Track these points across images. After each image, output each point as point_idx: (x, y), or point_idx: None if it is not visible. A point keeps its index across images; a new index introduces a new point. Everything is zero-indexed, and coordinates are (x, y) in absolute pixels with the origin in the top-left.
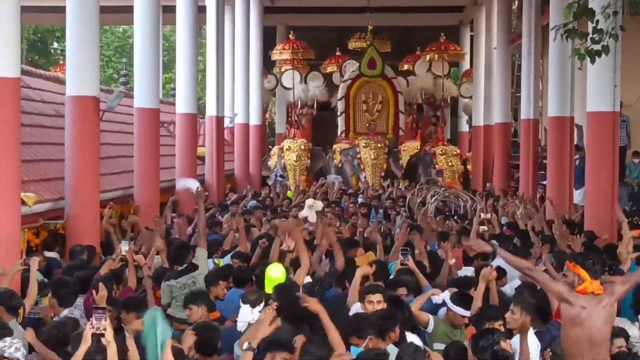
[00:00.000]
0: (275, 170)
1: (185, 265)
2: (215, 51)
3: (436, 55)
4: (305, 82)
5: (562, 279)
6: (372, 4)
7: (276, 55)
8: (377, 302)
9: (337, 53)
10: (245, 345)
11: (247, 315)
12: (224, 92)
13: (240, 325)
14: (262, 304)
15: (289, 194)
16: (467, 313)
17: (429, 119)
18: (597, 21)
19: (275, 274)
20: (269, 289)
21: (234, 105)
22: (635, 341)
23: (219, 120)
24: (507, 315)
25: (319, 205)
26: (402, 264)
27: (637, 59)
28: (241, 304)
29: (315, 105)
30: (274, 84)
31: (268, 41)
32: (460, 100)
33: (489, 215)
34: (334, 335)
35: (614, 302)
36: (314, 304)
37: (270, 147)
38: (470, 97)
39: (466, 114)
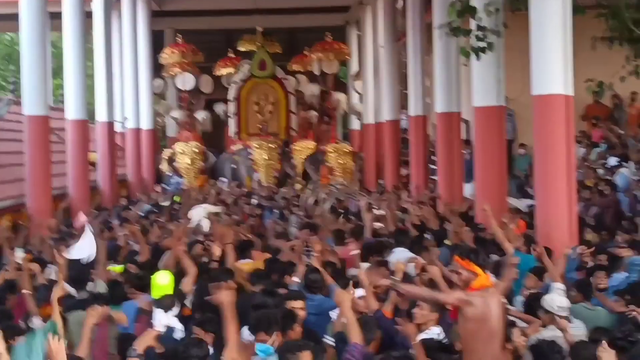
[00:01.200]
0: (169, 175)
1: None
2: (104, 56)
3: (322, 55)
4: (198, 85)
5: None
6: (259, 5)
7: (165, 58)
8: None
9: (231, 55)
10: (132, 353)
11: (162, 319)
12: (113, 97)
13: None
14: (176, 307)
15: (175, 198)
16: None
17: (322, 119)
18: (480, 19)
19: (162, 281)
20: (155, 296)
21: (124, 110)
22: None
23: (110, 125)
24: (415, 310)
25: (213, 209)
26: (307, 265)
27: (519, 54)
28: (154, 309)
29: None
30: (162, 88)
31: (157, 45)
32: (352, 99)
33: (382, 212)
34: (231, 329)
35: (502, 294)
36: (222, 296)
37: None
38: (361, 95)
39: (354, 114)
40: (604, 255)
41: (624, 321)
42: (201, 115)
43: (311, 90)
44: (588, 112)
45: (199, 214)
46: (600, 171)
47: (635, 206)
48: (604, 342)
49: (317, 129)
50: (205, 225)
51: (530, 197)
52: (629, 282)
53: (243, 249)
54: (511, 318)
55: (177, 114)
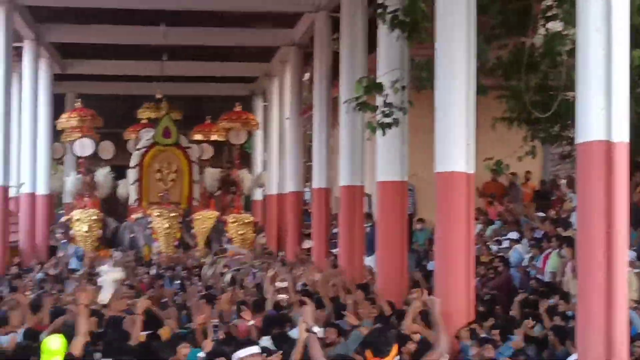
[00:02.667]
0: (63, 242)
1: None
2: (2, 118)
3: (230, 124)
4: (97, 151)
5: None
6: (165, 72)
7: (63, 123)
8: None
9: (144, 121)
10: None
11: None
12: (9, 160)
13: None
14: None
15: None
16: None
17: (228, 189)
18: (387, 95)
19: (53, 346)
20: None
21: (20, 174)
22: None
23: (4, 189)
24: None
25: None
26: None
27: (422, 130)
28: None
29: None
30: (61, 153)
31: (58, 109)
32: (254, 169)
33: (285, 284)
34: None
35: None
36: None
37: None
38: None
39: (259, 187)
40: (496, 330)
41: None
42: (101, 176)
43: (212, 174)
44: (485, 189)
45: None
46: (495, 248)
47: (527, 282)
48: None
49: (220, 199)
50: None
51: (429, 271)
52: None
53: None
54: None
55: (73, 180)
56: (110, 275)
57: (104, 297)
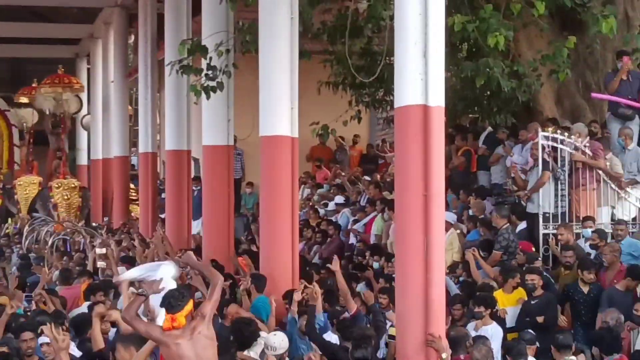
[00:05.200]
0: None
1: None
2: None
3: (52, 88)
4: None
5: None
6: None
7: None
8: None
9: None
10: None
11: None
12: None
13: None
14: None
15: None
16: None
17: (54, 153)
18: (211, 58)
19: None
20: None
21: None
22: None
23: None
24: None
25: None
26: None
27: (249, 94)
28: None
29: None
30: None
31: None
32: (78, 133)
33: (104, 250)
34: None
35: (208, 322)
36: None
37: None
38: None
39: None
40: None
41: None
42: None
43: (23, 117)
44: (312, 154)
45: None
46: (322, 211)
47: (353, 245)
48: None
49: (49, 164)
50: None
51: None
52: None
53: None
54: None
55: None
56: None
57: None
